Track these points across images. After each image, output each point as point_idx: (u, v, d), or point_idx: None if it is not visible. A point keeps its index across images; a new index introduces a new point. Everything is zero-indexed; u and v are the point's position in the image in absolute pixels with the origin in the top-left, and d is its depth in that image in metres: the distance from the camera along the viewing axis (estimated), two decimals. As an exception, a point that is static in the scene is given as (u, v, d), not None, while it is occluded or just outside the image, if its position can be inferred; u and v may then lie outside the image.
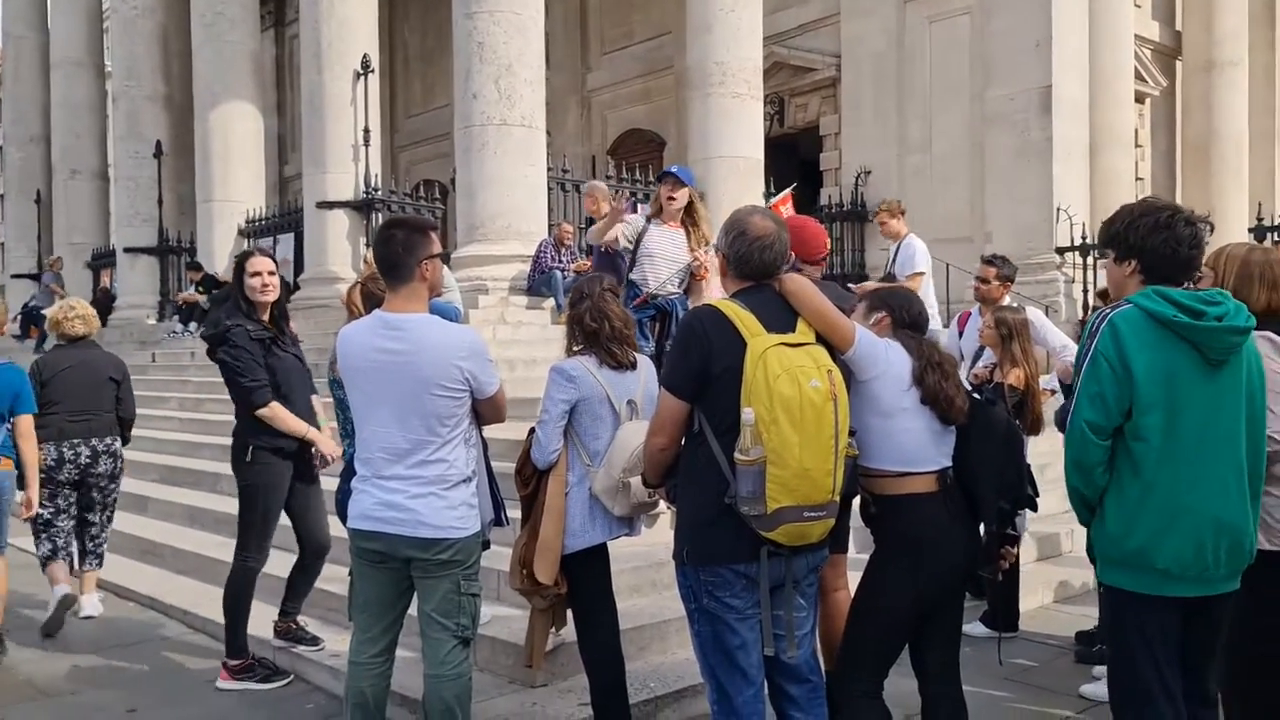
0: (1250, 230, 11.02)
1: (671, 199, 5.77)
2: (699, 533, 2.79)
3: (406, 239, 3.18)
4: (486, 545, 3.64)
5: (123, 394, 5.92)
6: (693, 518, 2.83)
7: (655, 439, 2.89)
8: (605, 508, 3.61)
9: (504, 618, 4.63)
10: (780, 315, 2.79)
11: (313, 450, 4.66)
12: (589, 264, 10.30)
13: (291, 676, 4.72)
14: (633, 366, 3.68)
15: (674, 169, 5.98)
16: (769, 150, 13.14)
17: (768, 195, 12.81)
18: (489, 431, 3.64)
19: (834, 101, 15.91)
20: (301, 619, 4.93)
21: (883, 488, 2.95)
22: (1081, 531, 5.75)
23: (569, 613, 3.89)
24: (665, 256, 5.83)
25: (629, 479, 3.48)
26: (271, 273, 4.58)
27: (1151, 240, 2.61)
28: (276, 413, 4.52)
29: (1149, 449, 2.54)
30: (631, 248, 5.91)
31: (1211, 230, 2.79)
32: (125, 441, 5.99)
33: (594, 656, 3.69)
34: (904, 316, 3.08)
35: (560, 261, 9.93)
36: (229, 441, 4.73)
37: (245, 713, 4.37)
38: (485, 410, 3.30)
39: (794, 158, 17.03)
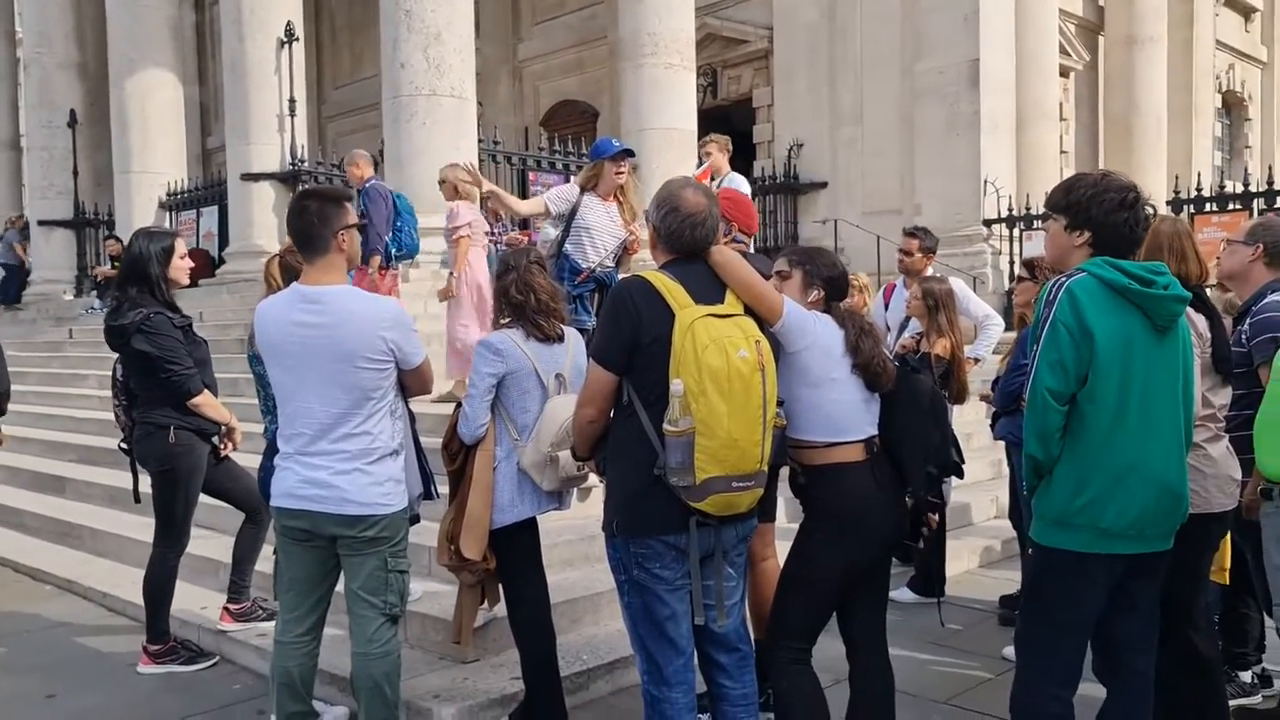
0: (1168, 203, 11.31)
1: (620, 173, 5.73)
2: (628, 504, 2.79)
3: (321, 210, 3.11)
4: (416, 520, 3.58)
5: None
6: (622, 490, 2.82)
7: (584, 411, 2.87)
8: (534, 482, 3.59)
9: (434, 594, 4.59)
10: (709, 287, 2.79)
11: (223, 437, 4.54)
12: (524, 237, 10.22)
13: (217, 658, 4.63)
14: (560, 339, 3.65)
15: (618, 144, 5.91)
16: (702, 122, 13.11)
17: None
18: (416, 405, 3.59)
19: (766, 74, 15.94)
20: (258, 594, 4.82)
21: (811, 458, 2.97)
22: (1005, 498, 5.90)
23: (499, 588, 3.87)
24: (603, 230, 5.78)
25: (557, 452, 3.45)
26: (183, 256, 4.48)
27: (1114, 217, 2.65)
28: (207, 400, 4.42)
29: (1101, 412, 2.60)
30: (565, 218, 5.84)
31: (1155, 211, 2.87)
32: (0, 413, 5.76)
33: (525, 631, 3.68)
34: (823, 272, 3.10)
35: (493, 233, 9.81)
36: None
37: (169, 696, 4.28)
38: (411, 381, 3.25)
39: (727, 130, 16.96)
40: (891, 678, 3.14)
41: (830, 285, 3.09)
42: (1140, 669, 2.84)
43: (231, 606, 4.75)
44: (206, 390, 4.42)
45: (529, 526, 3.70)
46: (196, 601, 5.04)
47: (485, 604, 4.04)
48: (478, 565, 3.61)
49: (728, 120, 16.97)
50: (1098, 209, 2.66)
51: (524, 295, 3.59)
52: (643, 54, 12.07)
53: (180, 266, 4.44)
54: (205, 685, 4.39)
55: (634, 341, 2.71)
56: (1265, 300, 3.44)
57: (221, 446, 4.56)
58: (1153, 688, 2.88)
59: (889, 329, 6.01)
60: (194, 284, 12.10)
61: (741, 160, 16.43)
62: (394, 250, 8.07)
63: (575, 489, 3.73)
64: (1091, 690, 2.91)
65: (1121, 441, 2.60)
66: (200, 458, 4.46)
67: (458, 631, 3.93)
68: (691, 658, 2.89)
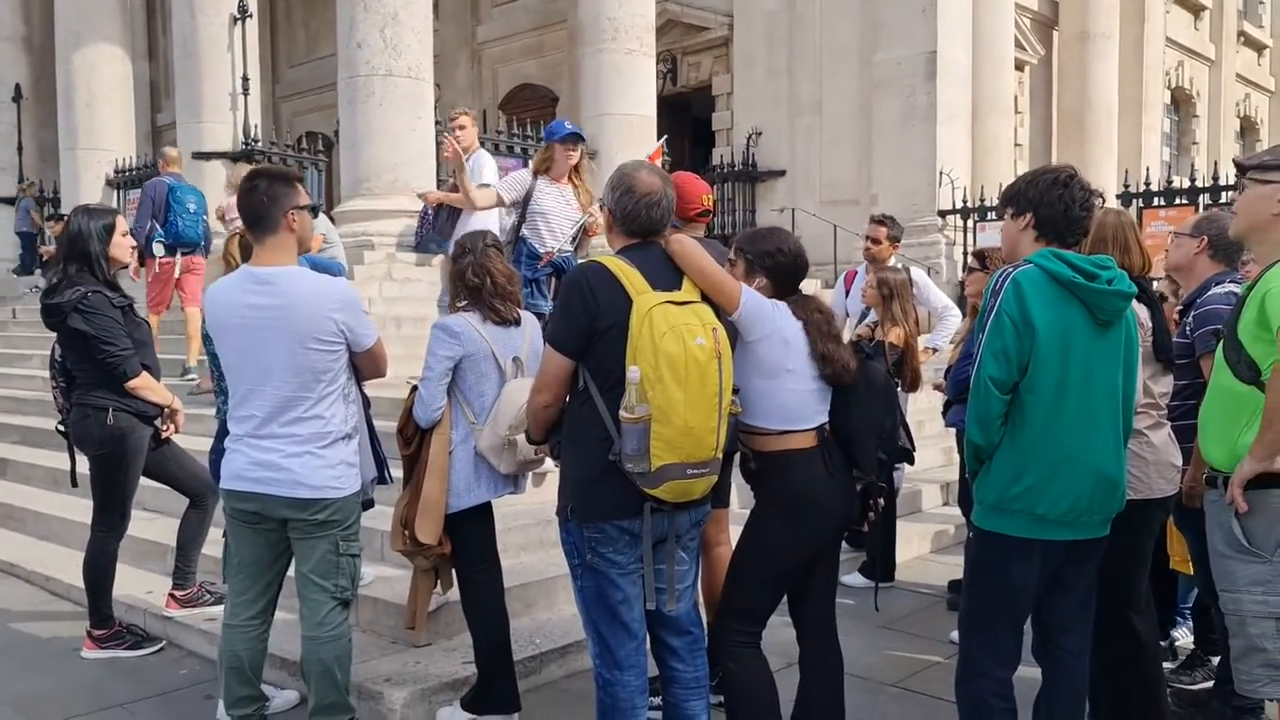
0: (1118, 196, 11.49)
1: (571, 155, 5.70)
2: (583, 489, 2.79)
3: (270, 189, 3.08)
4: (370, 504, 3.55)
5: None
6: (577, 475, 2.82)
7: (540, 396, 2.86)
8: (490, 466, 3.57)
9: (387, 578, 4.57)
10: (666, 273, 2.79)
11: (163, 419, 4.44)
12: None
13: (163, 643, 4.56)
14: (517, 323, 3.64)
15: (569, 126, 5.87)
16: (662, 109, 13.10)
17: (661, 152, 12.79)
18: (372, 389, 3.56)
19: (726, 61, 15.93)
20: (205, 579, 4.74)
21: (763, 445, 2.98)
22: (956, 484, 5.99)
23: (453, 572, 3.85)
24: (559, 214, 5.76)
25: (515, 435, 3.44)
26: (125, 234, 4.39)
27: (1049, 195, 2.73)
28: (147, 383, 4.33)
29: (1040, 402, 2.65)
30: (521, 204, 5.81)
31: (1103, 202, 2.92)
32: None
33: (479, 616, 3.67)
34: (764, 260, 3.04)
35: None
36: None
37: (114, 681, 4.21)
38: (363, 364, 3.23)
39: (687, 117, 17.03)
40: (841, 661, 3.18)
41: (775, 272, 3.05)
42: (1073, 649, 2.91)
43: (177, 593, 4.69)
44: (146, 372, 4.33)
45: (484, 511, 3.69)
46: (142, 586, 4.97)
47: (439, 588, 4.03)
48: (433, 550, 3.59)
49: (687, 107, 16.98)
50: (1034, 190, 2.76)
51: (481, 278, 3.58)
52: (603, 39, 12.01)
53: (122, 244, 4.35)
54: (151, 670, 4.33)
55: (591, 328, 2.70)
56: (1209, 293, 3.51)
57: (163, 429, 4.47)
58: (1086, 667, 2.96)
59: (849, 315, 6.07)
60: (142, 264, 11.91)
61: (700, 147, 16.51)
62: (163, 239, 8.48)
63: (531, 473, 3.73)
64: (1036, 673, 2.97)
65: (1059, 431, 2.66)
66: (140, 441, 4.37)
67: (411, 616, 3.91)
68: (644, 641, 2.90)
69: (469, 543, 3.66)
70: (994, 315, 2.66)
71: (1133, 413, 2.88)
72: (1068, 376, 2.66)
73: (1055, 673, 2.92)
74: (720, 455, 2.75)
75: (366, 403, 3.79)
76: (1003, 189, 2.95)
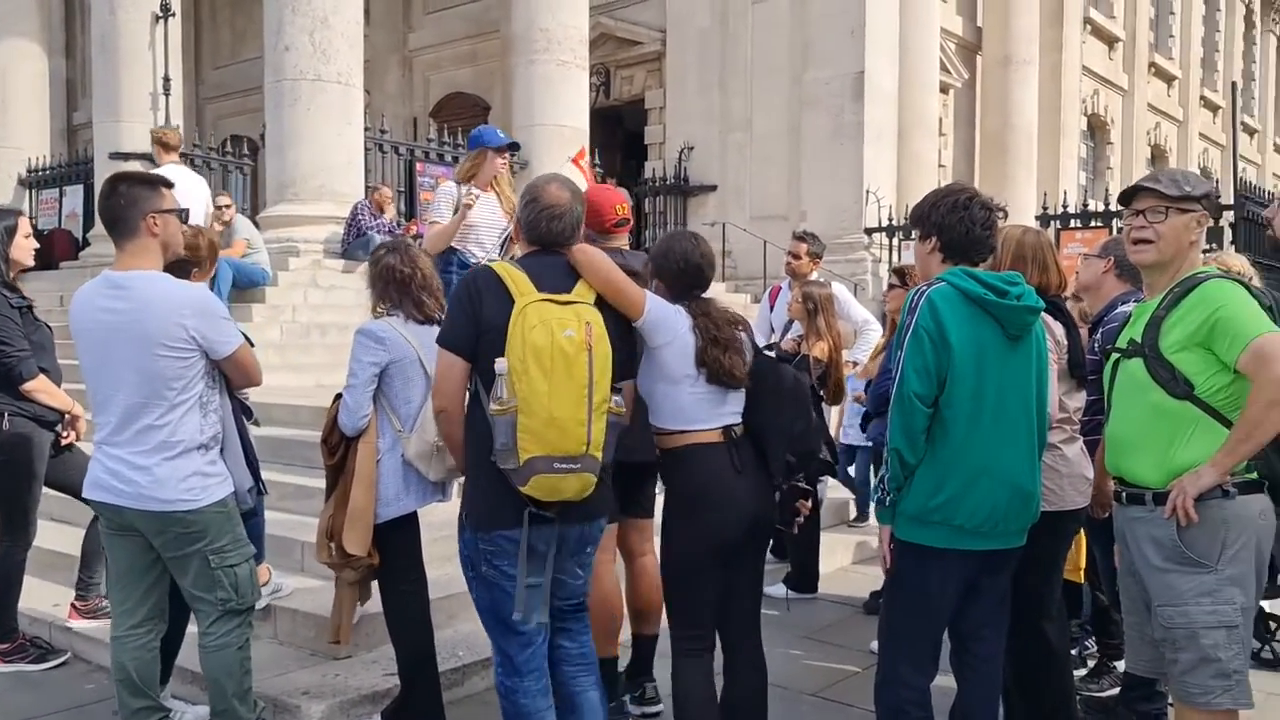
0: (1037, 218, 11.85)
1: (503, 164, 5.66)
2: (477, 495, 2.81)
3: (129, 191, 3.02)
4: (250, 514, 3.45)
5: None
6: (473, 483, 2.84)
7: (435, 401, 2.89)
8: (419, 474, 3.53)
9: (305, 589, 4.48)
10: (558, 279, 2.81)
11: (64, 425, 4.30)
12: (408, 228, 10.04)
13: (68, 655, 4.41)
14: (438, 321, 3.58)
15: (503, 135, 5.83)
16: (595, 121, 13.14)
17: (593, 165, 12.83)
18: (293, 398, 3.50)
19: (659, 76, 16.06)
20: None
21: (665, 443, 3.04)
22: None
23: (374, 583, 3.79)
24: (488, 224, 5.73)
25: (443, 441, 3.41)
26: (28, 235, 4.27)
27: (950, 219, 2.82)
28: (45, 386, 4.19)
29: (957, 415, 2.73)
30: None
31: (1005, 217, 3.01)
32: None
33: (404, 628, 3.61)
34: (657, 262, 3.09)
35: (376, 225, 9.62)
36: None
37: (19, 695, 4.06)
38: (230, 372, 3.16)
39: (620, 130, 17.12)
40: (764, 670, 3.20)
41: (663, 275, 3.09)
42: (987, 656, 2.98)
43: (79, 604, 4.54)
44: (44, 376, 4.19)
45: (411, 520, 3.64)
46: (48, 598, 4.80)
47: (361, 601, 3.95)
48: (362, 561, 3.53)
49: (620, 120, 17.06)
50: (937, 214, 2.85)
51: (411, 269, 3.56)
52: (535, 49, 12.01)
53: (24, 246, 4.23)
54: (57, 684, 4.19)
55: (476, 329, 2.73)
56: (1115, 311, 3.64)
57: (64, 435, 4.33)
58: (1000, 674, 3.03)
59: (774, 330, 6.14)
60: (55, 266, 11.55)
61: (633, 160, 16.58)
62: None
63: (456, 481, 3.69)
64: (953, 683, 3.04)
65: (976, 444, 2.73)
66: (40, 447, 4.23)
67: (336, 630, 3.79)
68: (543, 644, 2.91)
69: (397, 553, 3.61)
70: (912, 332, 2.73)
71: (1046, 425, 2.96)
72: (983, 390, 2.73)
73: (970, 680, 2.99)
74: (595, 454, 2.70)
75: (248, 412, 3.73)
76: (912, 210, 3.01)
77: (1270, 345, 2.54)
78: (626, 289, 2.88)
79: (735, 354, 3.00)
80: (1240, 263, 4.38)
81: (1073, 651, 4.25)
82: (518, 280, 2.72)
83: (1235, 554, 2.63)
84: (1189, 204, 2.77)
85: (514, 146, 5.72)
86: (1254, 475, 2.66)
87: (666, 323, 2.95)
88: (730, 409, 3.04)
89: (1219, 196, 2.77)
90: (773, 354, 3.20)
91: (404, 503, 3.54)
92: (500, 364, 2.61)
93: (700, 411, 3.00)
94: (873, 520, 6.75)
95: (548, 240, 2.87)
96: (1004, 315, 2.74)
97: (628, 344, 2.91)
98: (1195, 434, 2.66)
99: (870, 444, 5.45)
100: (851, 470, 6.67)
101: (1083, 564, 4.15)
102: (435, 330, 3.53)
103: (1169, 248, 2.79)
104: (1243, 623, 2.64)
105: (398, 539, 3.59)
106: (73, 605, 4.55)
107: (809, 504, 3.30)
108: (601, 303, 2.82)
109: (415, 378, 3.52)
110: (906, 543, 2.83)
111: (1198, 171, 15.64)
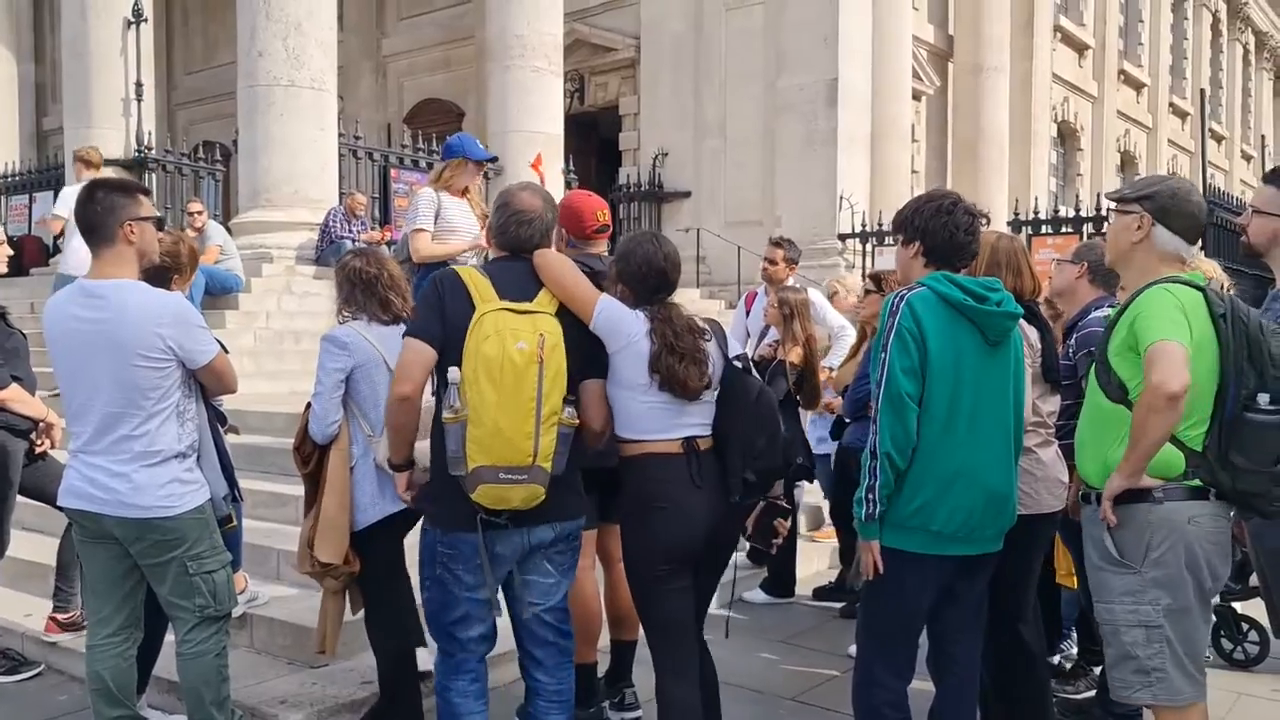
0: (1008, 224, 11.95)
1: (478, 175, 5.71)
2: (438, 496, 2.84)
3: (106, 199, 3.00)
4: (226, 521, 3.42)
5: None
6: (436, 481, 2.86)
7: (401, 386, 2.81)
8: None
9: (282, 598, 4.45)
10: (522, 285, 2.82)
11: (39, 434, 4.25)
12: (382, 235, 10.01)
13: (42, 666, 4.36)
14: (400, 321, 3.55)
15: (484, 150, 5.85)
16: (569, 127, 13.14)
17: (567, 171, 12.84)
18: (266, 405, 3.47)
19: (634, 82, 16.09)
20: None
21: (623, 450, 3.00)
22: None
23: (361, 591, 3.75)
24: (463, 228, 5.74)
25: (417, 442, 3.37)
26: (2, 243, 4.23)
27: (934, 224, 2.84)
28: (17, 394, 4.14)
29: (934, 420, 2.74)
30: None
31: (988, 222, 3.04)
32: None
33: (384, 636, 3.58)
34: (618, 264, 3.04)
35: (350, 231, 9.59)
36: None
37: (-12, 709, 4.01)
38: (206, 380, 3.15)
39: (594, 136, 17.12)
40: (713, 669, 3.19)
41: (625, 278, 3.01)
42: (964, 659, 3.00)
43: (59, 616, 4.47)
44: (16, 384, 4.14)
45: (392, 527, 3.58)
46: (20, 608, 4.74)
47: (352, 610, 3.88)
48: (341, 569, 3.50)
49: (595, 126, 17.07)
50: (921, 219, 2.87)
51: (377, 269, 3.56)
52: (510, 55, 12.02)
53: None
54: (30, 696, 4.14)
55: (443, 326, 2.75)
56: (1089, 316, 3.69)
57: (38, 444, 4.28)
58: (976, 677, 3.05)
59: (749, 335, 6.16)
60: (26, 273, 11.41)
61: (607, 166, 16.59)
62: None
63: None
64: (931, 686, 3.06)
65: (952, 448, 2.75)
66: (14, 455, 4.18)
67: (321, 640, 3.73)
68: (486, 646, 2.95)
69: (379, 560, 3.57)
70: (896, 334, 2.74)
71: (1023, 430, 2.98)
72: (960, 395, 2.75)
73: (947, 683, 3.01)
74: (544, 465, 2.70)
75: (222, 419, 3.71)
76: (895, 216, 3.03)
77: (1155, 351, 2.54)
78: (577, 293, 2.86)
79: (692, 364, 2.89)
80: (1211, 266, 4.46)
81: (1056, 656, 4.30)
82: (480, 286, 2.75)
83: (1159, 557, 2.65)
84: (1128, 205, 2.81)
85: (492, 160, 5.77)
86: (1196, 482, 2.66)
87: (617, 328, 2.88)
88: (694, 420, 2.96)
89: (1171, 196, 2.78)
90: (741, 365, 3.11)
91: (380, 507, 3.50)
92: (454, 373, 2.65)
93: (654, 421, 2.92)
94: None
95: (516, 246, 2.90)
96: (984, 321, 2.77)
97: (594, 343, 2.89)
98: (1124, 435, 2.68)
99: (829, 455, 5.45)
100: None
101: (1073, 569, 4.17)
102: (398, 329, 3.49)
103: (1111, 249, 2.91)
104: (1168, 624, 2.65)
105: (378, 546, 3.55)
106: (51, 618, 4.49)
107: (787, 524, 3.30)
108: (566, 309, 2.83)
109: (381, 381, 3.47)
110: (884, 548, 2.85)
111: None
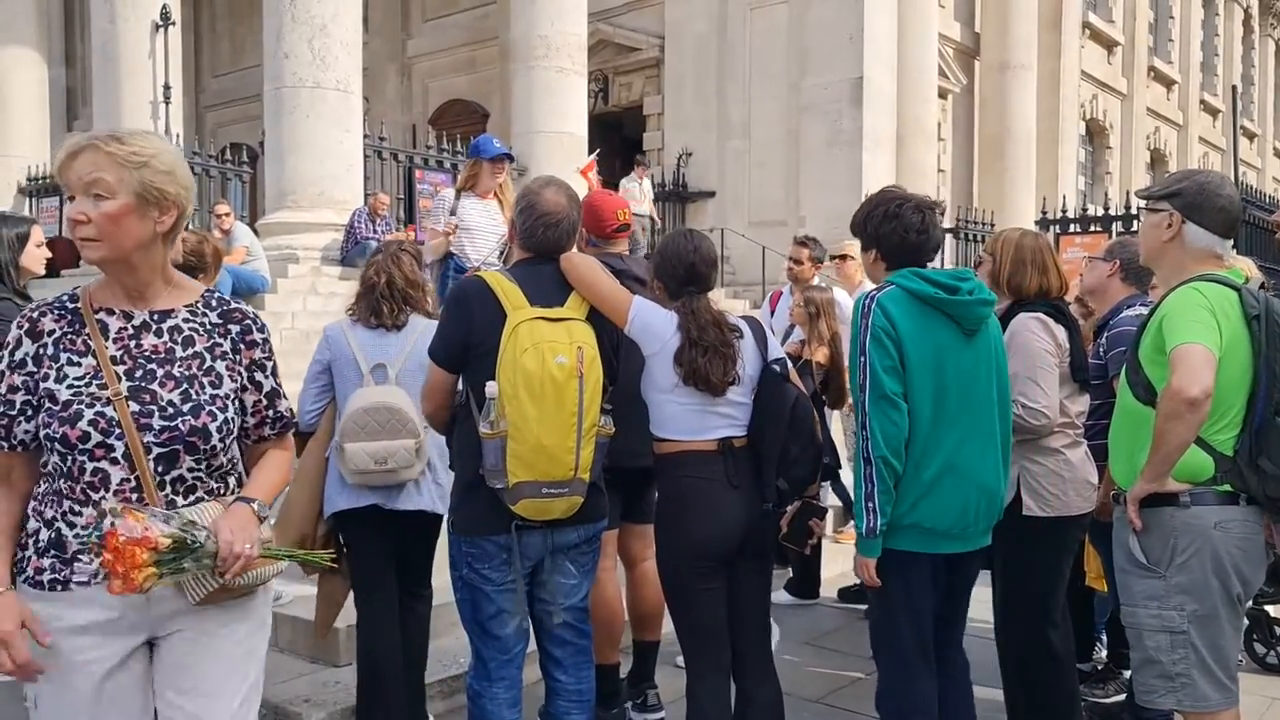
0: (1036, 222, 11.86)
1: (498, 173, 5.75)
2: (462, 502, 2.81)
3: None
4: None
5: None
6: (459, 488, 2.83)
7: (424, 404, 2.93)
8: None
9: (305, 597, 4.44)
10: (552, 289, 2.77)
11: None
12: (405, 235, 10.05)
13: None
14: (399, 328, 3.50)
15: (499, 145, 5.88)
16: (593, 128, 13.16)
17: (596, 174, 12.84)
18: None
19: (657, 82, 16.08)
20: None
21: (659, 448, 2.97)
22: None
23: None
24: (484, 229, 5.76)
25: (346, 444, 3.28)
26: (40, 244, 4.25)
27: (884, 229, 2.79)
28: None
29: (920, 417, 2.69)
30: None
31: (943, 213, 2.96)
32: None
33: (359, 639, 3.52)
34: (655, 261, 3.02)
35: (375, 232, 9.64)
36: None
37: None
38: None
39: (618, 136, 17.13)
40: (777, 690, 3.11)
41: (660, 274, 2.99)
42: (955, 657, 2.97)
43: None
44: None
45: (370, 530, 3.46)
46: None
47: (338, 599, 3.81)
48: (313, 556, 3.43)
49: (619, 127, 17.08)
50: (873, 226, 2.83)
51: (379, 277, 3.51)
52: (534, 56, 12.04)
53: (35, 255, 4.19)
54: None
55: (465, 342, 2.71)
56: (1121, 314, 3.63)
57: None
58: (968, 664, 3.02)
59: (774, 334, 6.12)
60: (57, 274, 11.54)
61: (631, 167, 16.57)
62: None
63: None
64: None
65: (940, 444, 2.70)
66: None
67: (317, 625, 3.76)
68: (520, 656, 2.89)
69: (358, 557, 3.49)
70: (871, 335, 2.68)
71: (1009, 420, 2.92)
72: (944, 390, 2.69)
73: (944, 684, 2.93)
74: (585, 476, 2.68)
75: None
76: (851, 219, 2.98)
77: (1177, 355, 2.48)
78: (609, 295, 2.82)
79: (717, 359, 2.83)
80: (1247, 265, 4.38)
81: (1084, 665, 4.23)
82: (509, 292, 2.69)
83: (1185, 562, 2.59)
84: (1157, 203, 2.75)
85: (507, 157, 5.78)
86: (1225, 487, 2.60)
87: (653, 332, 2.85)
88: (728, 420, 2.91)
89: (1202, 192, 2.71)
90: (780, 369, 3.01)
91: (347, 496, 3.38)
92: (491, 387, 2.58)
93: (690, 422, 2.88)
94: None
95: (543, 248, 2.83)
96: (958, 312, 2.71)
97: (612, 348, 2.86)
98: (1150, 438, 2.61)
99: None
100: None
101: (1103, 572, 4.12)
102: (388, 336, 3.47)
103: (1144, 249, 2.85)
104: (1194, 630, 2.59)
105: (356, 546, 3.50)
106: None
107: (823, 523, 3.26)
108: (596, 311, 2.80)
109: (350, 378, 3.44)
110: (883, 549, 2.80)
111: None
